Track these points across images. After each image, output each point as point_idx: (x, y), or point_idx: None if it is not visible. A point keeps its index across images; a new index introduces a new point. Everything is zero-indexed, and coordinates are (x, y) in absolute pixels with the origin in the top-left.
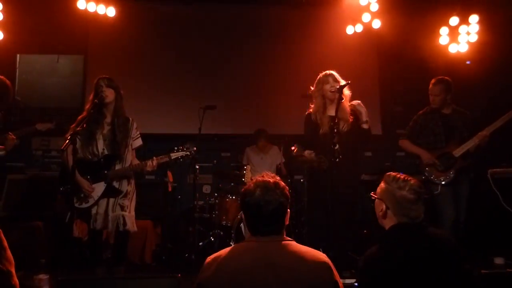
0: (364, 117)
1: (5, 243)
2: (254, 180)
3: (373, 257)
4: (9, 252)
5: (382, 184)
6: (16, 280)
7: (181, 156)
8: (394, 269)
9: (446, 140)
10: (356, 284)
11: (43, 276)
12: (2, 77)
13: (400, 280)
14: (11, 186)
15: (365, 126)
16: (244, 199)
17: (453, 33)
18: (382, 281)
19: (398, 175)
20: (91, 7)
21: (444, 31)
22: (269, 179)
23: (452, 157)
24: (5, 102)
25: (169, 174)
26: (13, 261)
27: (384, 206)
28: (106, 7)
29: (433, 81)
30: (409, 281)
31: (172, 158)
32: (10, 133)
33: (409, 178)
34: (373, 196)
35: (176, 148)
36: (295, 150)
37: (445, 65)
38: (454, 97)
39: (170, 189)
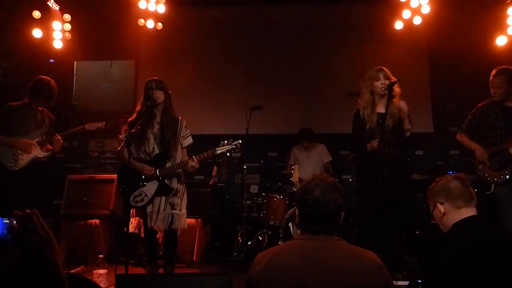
0: (406, 125)
1: (51, 235)
2: (311, 178)
3: (437, 254)
4: (55, 243)
5: (428, 196)
6: (62, 271)
7: (227, 150)
8: (457, 265)
9: (506, 136)
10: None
11: (101, 271)
12: (46, 77)
13: (464, 275)
14: (70, 186)
15: (407, 134)
16: (302, 197)
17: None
18: (445, 278)
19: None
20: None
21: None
22: (327, 179)
23: (508, 155)
24: (49, 100)
25: (215, 168)
26: (58, 252)
27: (440, 206)
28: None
29: (493, 71)
30: (473, 277)
31: (218, 152)
32: (57, 134)
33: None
34: (433, 218)
35: (222, 142)
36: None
37: (500, 59)
38: None
39: (211, 182)
